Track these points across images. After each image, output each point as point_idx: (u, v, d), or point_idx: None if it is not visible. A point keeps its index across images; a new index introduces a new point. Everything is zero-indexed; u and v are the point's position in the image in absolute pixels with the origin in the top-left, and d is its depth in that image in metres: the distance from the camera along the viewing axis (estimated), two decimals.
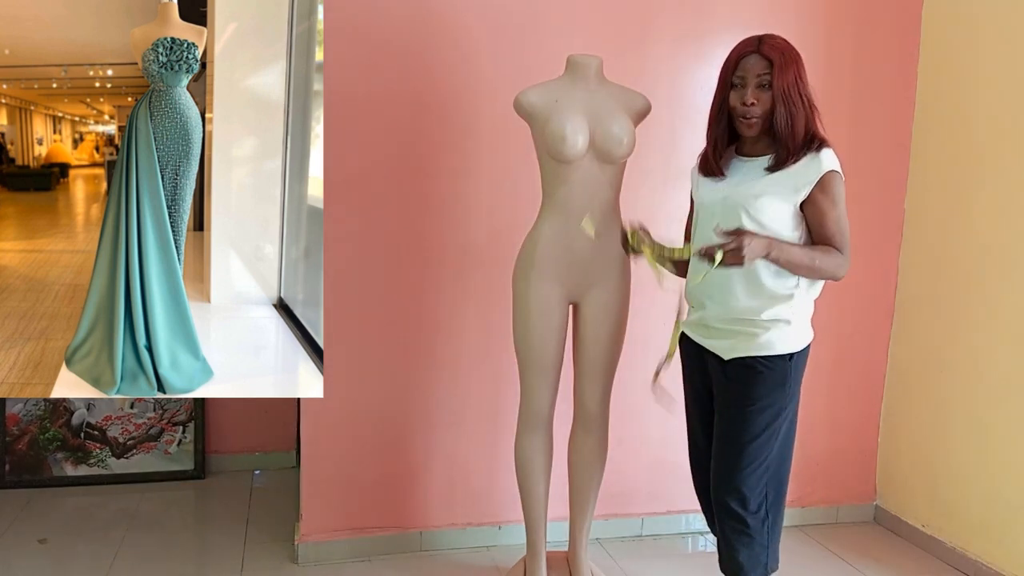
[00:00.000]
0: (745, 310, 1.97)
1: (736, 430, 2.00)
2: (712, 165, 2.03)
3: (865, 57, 3.09)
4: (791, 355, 1.97)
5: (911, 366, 3.17)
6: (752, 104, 1.91)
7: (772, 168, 1.94)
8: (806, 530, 3.21)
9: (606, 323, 2.40)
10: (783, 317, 1.95)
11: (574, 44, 2.59)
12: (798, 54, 1.93)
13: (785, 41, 1.94)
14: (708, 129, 2.05)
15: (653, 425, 3.06)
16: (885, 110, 3.13)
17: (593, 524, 2.66)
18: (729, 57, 1.97)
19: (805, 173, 1.91)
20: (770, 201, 1.92)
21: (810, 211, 1.94)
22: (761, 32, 1.98)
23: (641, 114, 2.41)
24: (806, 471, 3.24)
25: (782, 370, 1.97)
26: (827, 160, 1.91)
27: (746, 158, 2.01)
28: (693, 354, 2.12)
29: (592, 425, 2.50)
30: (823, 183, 1.91)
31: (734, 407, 2.01)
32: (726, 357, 2.01)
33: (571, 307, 2.44)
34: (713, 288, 2.00)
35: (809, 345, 2.03)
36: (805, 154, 1.92)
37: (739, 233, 1.84)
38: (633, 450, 3.01)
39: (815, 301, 2.04)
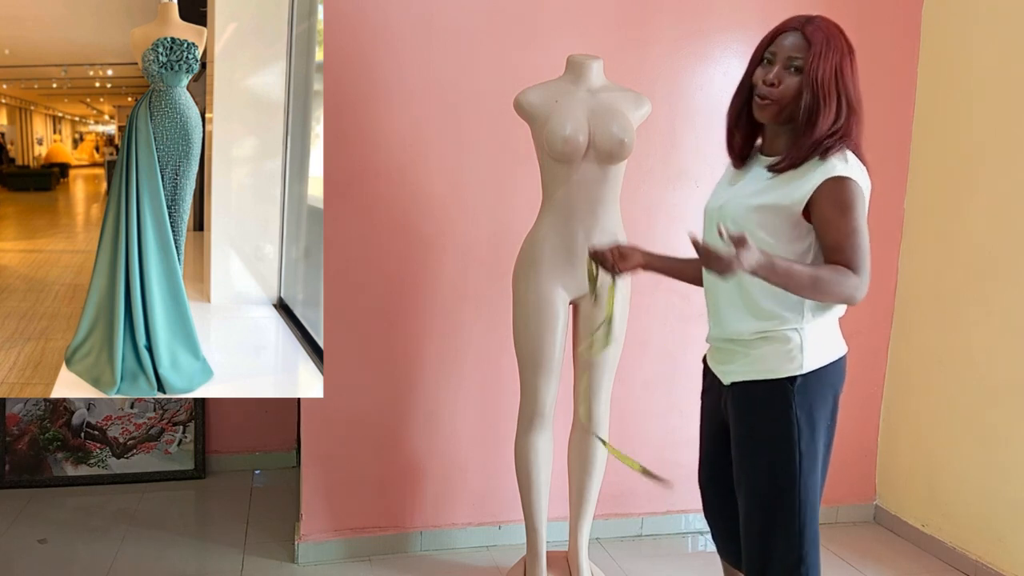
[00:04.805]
0: (738, 330, 1.77)
1: (755, 496, 1.78)
2: (729, 151, 1.83)
3: (865, 57, 3.07)
4: (793, 378, 1.72)
5: (911, 366, 3.17)
6: (773, 85, 1.67)
7: (775, 169, 1.70)
8: None
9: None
10: (780, 335, 1.73)
11: (574, 44, 2.59)
12: (850, 47, 1.70)
13: (839, 29, 1.70)
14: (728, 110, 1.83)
15: (653, 425, 3.06)
16: (885, 110, 3.13)
17: (593, 524, 2.66)
18: (768, 32, 1.74)
19: (808, 180, 1.65)
20: (765, 212, 1.69)
21: (817, 223, 1.66)
22: (765, 28, 1.78)
23: (641, 114, 2.41)
24: None
25: (783, 397, 1.72)
26: (835, 165, 1.63)
27: (764, 157, 1.78)
28: (708, 374, 1.94)
29: (592, 425, 2.50)
30: (827, 189, 1.62)
31: (738, 447, 1.81)
32: (726, 382, 1.83)
33: (571, 307, 2.44)
34: (711, 305, 1.86)
35: (825, 368, 1.76)
36: (813, 157, 1.66)
37: (740, 243, 1.50)
38: (633, 450, 3.00)
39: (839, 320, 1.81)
